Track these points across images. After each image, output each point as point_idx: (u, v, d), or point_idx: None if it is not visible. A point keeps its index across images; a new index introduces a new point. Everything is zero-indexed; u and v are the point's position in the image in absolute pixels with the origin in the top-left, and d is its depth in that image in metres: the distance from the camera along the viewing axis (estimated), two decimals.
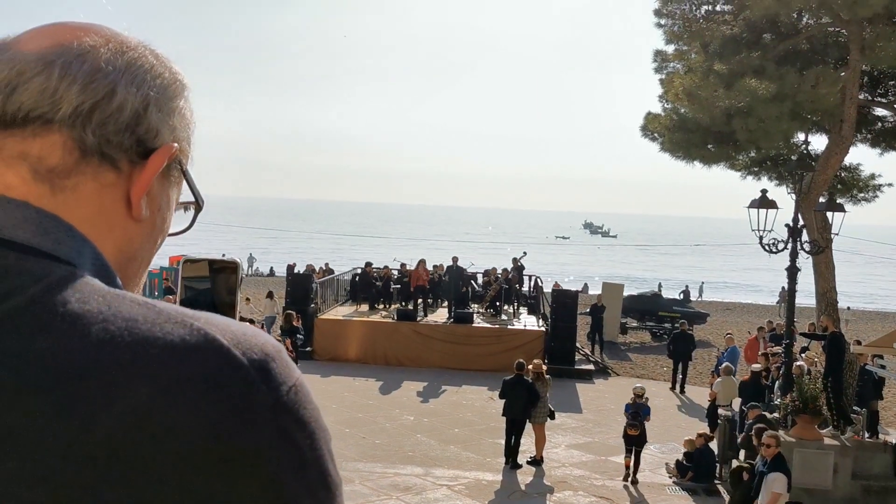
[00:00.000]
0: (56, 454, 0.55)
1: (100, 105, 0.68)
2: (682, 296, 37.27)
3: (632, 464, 11.92)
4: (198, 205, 0.80)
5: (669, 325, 25.74)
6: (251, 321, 17.06)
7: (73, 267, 0.65)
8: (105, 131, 0.68)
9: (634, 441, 11.93)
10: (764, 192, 14.11)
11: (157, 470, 0.56)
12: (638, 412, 12.21)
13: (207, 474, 0.57)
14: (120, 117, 0.69)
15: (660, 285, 40.57)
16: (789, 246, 13.65)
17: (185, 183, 0.77)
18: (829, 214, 15.46)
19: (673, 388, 18.64)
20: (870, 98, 20.14)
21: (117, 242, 0.70)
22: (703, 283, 48.58)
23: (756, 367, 14.43)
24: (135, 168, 0.70)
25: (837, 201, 16.18)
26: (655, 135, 21.10)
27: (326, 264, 28.88)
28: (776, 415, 12.09)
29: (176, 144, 0.73)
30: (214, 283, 0.87)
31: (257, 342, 0.63)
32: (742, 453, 11.04)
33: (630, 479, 11.86)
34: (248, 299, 25.07)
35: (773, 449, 8.94)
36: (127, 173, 0.70)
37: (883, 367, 14.12)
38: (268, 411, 0.61)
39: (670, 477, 12.19)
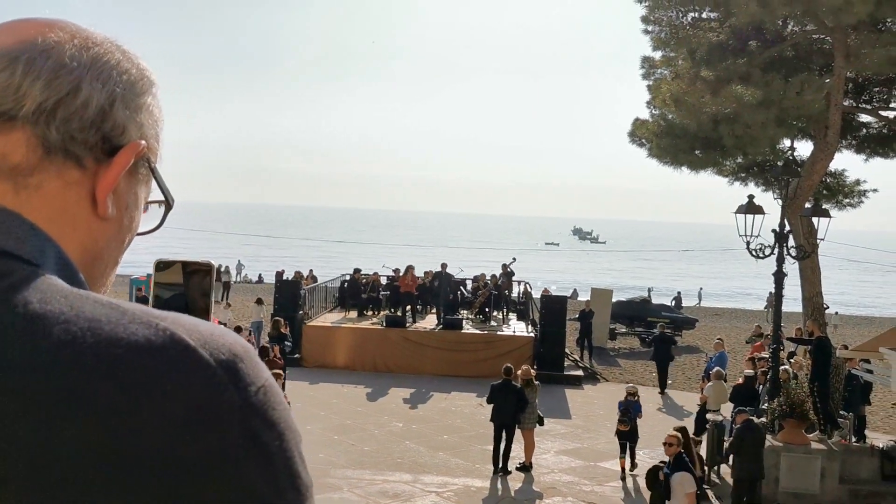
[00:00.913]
0: (19, 458, 0.54)
1: (64, 101, 0.66)
2: (673, 302, 37.41)
3: (627, 462, 12.25)
4: (168, 203, 0.79)
5: (658, 331, 25.85)
6: (238, 328, 17.00)
7: (36, 266, 0.63)
8: (69, 128, 0.67)
9: (626, 437, 12.19)
10: (751, 197, 14.21)
11: (122, 473, 0.55)
12: (628, 409, 12.45)
13: (174, 476, 0.56)
14: (85, 114, 0.67)
15: (649, 291, 40.70)
16: (776, 251, 13.74)
17: (154, 181, 0.76)
18: (814, 220, 15.59)
19: (662, 393, 18.71)
20: (854, 104, 20.32)
21: (82, 241, 0.69)
22: (701, 289, 48.85)
23: (749, 372, 14.49)
24: (100, 166, 0.69)
25: (823, 207, 16.30)
26: (643, 141, 21.21)
27: (311, 271, 28.80)
28: (764, 419, 12.14)
29: (143, 142, 0.72)
30: (188, 286, 0.86)
31: (225, 342, 0.62)
32: (731, 458, 11.06)
33: (627, 472, 12.20)
34: (229, 304, 24.87)
35: (675, 448, 8.84)
36: (92, 171, 0.69)
37: (870, 371, 14.20)
38: (236, 412, 0.59)
39: None
